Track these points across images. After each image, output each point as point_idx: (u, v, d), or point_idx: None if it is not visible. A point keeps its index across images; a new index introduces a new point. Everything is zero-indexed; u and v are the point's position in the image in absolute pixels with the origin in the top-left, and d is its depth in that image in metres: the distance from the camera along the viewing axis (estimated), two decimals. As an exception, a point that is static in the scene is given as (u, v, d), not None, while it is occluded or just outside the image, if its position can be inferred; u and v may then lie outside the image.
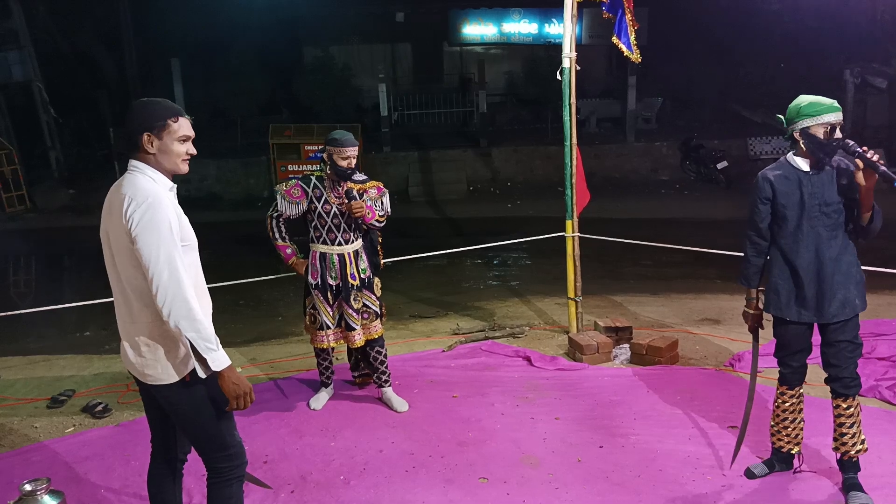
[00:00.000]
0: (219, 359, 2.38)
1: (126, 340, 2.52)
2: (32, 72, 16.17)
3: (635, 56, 5.16)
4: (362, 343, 4.30)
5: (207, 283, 2.61)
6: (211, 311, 2.56)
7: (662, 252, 6.95)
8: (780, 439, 3.43)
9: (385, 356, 4.42)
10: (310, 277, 4.25)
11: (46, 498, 2.77)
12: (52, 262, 11.53)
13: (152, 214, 2.33)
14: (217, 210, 14.38)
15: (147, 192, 2.37)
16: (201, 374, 2.41)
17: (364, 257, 4.28)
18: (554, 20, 19.11)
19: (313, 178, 4.21)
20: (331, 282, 4.20)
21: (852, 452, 3.23)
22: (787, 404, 3.38)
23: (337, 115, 16.77)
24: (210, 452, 2.57)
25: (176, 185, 2.55)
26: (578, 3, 5.13)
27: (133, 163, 2.46)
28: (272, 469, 3.69)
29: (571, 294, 5.46)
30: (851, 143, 3.01)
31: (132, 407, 4.55)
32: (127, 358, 2.53)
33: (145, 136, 2.42)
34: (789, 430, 3.40)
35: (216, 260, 8.01)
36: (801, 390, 3.39)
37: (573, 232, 5.38)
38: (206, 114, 17.15)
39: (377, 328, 4.33)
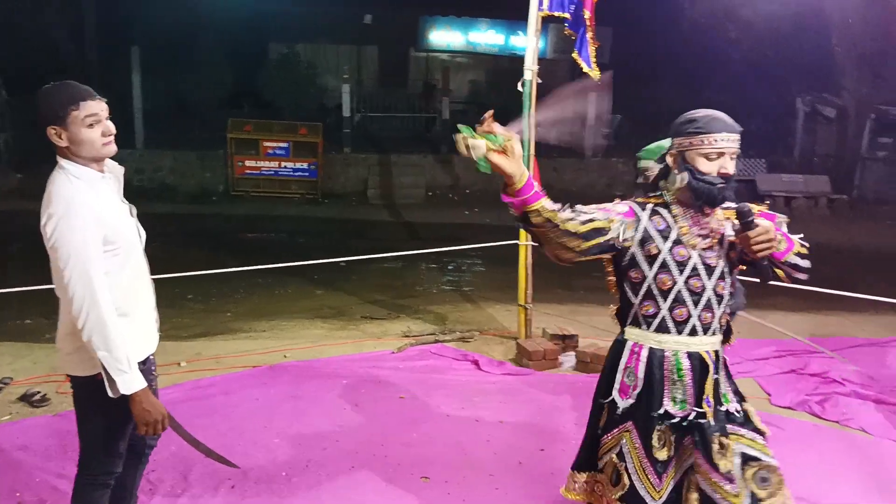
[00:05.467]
0: (129, 381, 2.27)
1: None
2: (-15, 51, 15.70)
3: (594, 72, 5.28)
4: None
5: (156, 275, 2.58)
6: (153, 306, 2.52)
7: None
8: None
9: None
10: (617, 394, 2.42)
11: (-23, 483, 2.71)
12: (-5, 247, 11.18)
13: (65, 226, 2.20)
14: (170, 202, 14.11)
15: (61, 200, 2.22)
16: (110, 393, 2.27)
17: (727, 366, 2.41)
18: (520, 32, 19.35)
19: (650, 205, 2.39)
20: (674, 410, 2.30)
21: None
22: None
23: (299, 112, 16.66)
24: (88, 450, 2.51)
25: (122, 171, 2.44)
26: (543, 18, 5.24)
27: (58, 159, 2.31)
28: (213, 464, 3.65)
29: (522, 301, 5.55)
30: None
31: (71, 397, 4.45)
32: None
33: (51, 131, 2.25)
34: None
35: (166, 252, 7.88)
36: None
37: (527, 240, 5.48)
38: (165, 104, 16.86)
39: None
